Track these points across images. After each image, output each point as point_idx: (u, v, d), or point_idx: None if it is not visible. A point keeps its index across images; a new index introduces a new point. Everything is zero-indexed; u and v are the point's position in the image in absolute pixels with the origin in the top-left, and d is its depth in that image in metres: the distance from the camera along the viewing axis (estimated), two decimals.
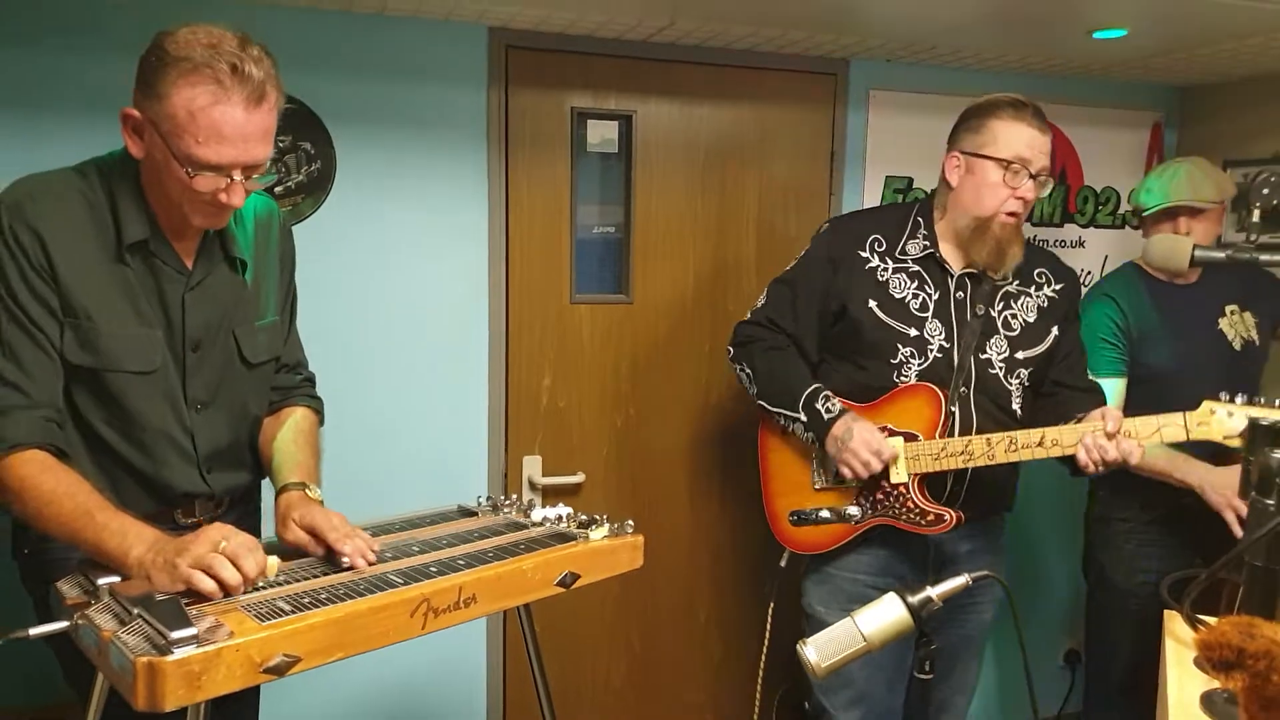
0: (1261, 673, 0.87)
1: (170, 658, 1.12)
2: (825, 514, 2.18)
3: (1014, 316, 2.18)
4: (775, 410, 2.20)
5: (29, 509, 1.42)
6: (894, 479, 2.09)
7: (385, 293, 2.53)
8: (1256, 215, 1.96)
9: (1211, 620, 1.01)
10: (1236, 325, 2.53)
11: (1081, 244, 3.28)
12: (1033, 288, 2.21)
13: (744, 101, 2.81)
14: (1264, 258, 1.93)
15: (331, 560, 1.50)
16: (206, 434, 1.65)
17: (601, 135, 2.72)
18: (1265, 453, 1.00)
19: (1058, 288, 2.24)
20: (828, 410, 2.11)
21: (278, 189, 2.35)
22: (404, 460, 2.58)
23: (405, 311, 2.55)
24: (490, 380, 2.65)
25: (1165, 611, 1.23)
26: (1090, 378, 2.28)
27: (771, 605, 2.37)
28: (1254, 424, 1.04)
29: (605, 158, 2.74)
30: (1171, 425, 1.95)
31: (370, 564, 1.48)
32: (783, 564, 2.31)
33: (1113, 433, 1.95)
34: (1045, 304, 2.21)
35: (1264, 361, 2.59)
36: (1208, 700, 1.06)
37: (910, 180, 3.00)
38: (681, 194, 2.79)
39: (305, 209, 2.40)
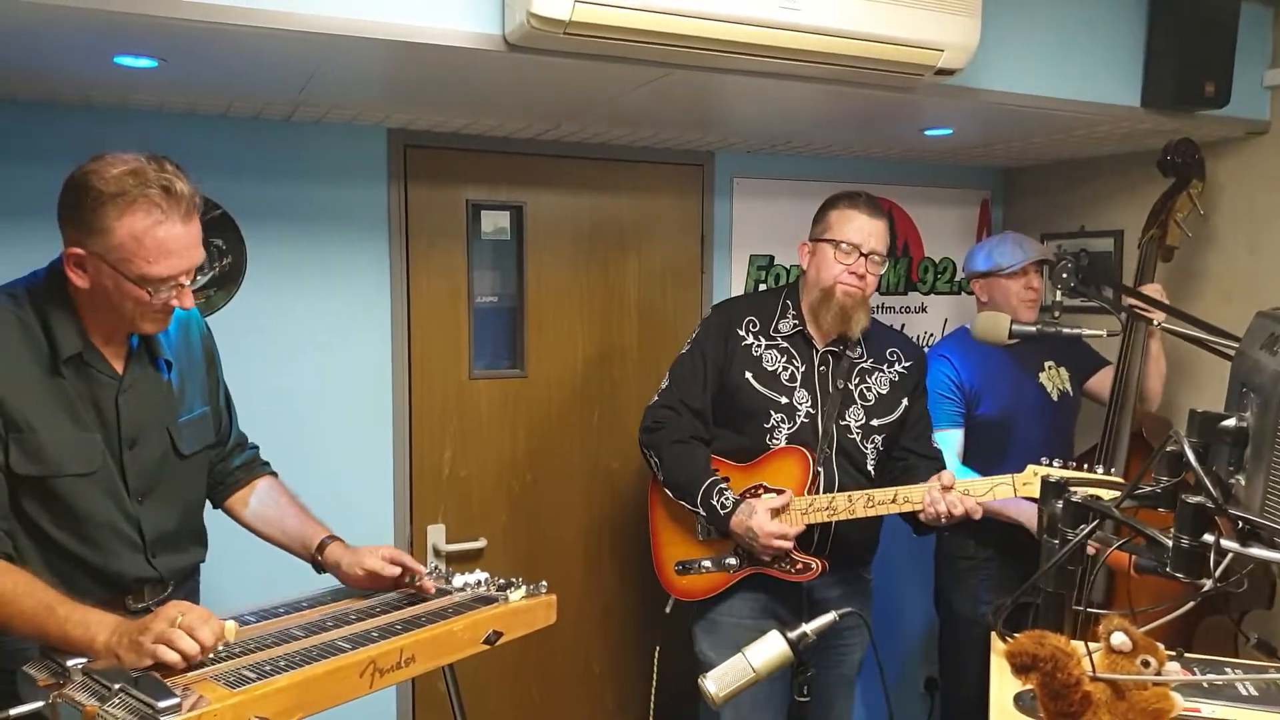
0: (1049, 671, 1.16)
1: None
2: (707, 563, 2.44)
3: (869, 389, 2.48)
4: (678, 501, 2.42)
5: None
6: None
7: (294, 376, 2.67)
8: (1059, 294, 2.35)
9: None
10: (1053, 379, 2.93)
11: (924, 309, 3.68)
12: (885, 365, 2.53)
13: (622, 191, 3.10)
14: (1066, 331, 2.33)
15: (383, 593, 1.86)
16: (151, 522, 1.78)
17: (495, 224, 2.95)
18: (1051, 503, 1.30)
19: (907, 364, 2.55)
20: (722, 506, 2.33)
21: None
22: None
23: (313, 393, 2.70)
24: (395, 455, 2.82)
25: (991, 632, 1.52)
26: (934, 446, 2.58)
27: (658, 649, 2.59)
28: (1044, 480, 1.34)
29: (498, 244, 2.97)
30: (1003, 485, 2.26)
31: (432, 591, 1.86)
32: (668, 610, 2.55)
33: (947, 485, 2.25)
34: (896, 378, 2.52)
35: (1077, 410, 2.99)
36: (1018, 699, 1.35)
37: (771, 258, 3.34)
38: (569, 276, 3.04)
39: (218, 301, 2.54)
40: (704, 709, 2.57)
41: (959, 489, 2.27)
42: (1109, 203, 3.40)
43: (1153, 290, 2.65)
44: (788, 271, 3.35)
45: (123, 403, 1.74)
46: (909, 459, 2.52)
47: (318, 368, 2.70)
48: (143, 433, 1.77)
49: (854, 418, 2.45)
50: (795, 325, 2.48)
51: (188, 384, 1.89)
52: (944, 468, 2.51)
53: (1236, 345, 1.36)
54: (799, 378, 2.44)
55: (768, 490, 2.38)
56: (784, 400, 2.42)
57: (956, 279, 3.71)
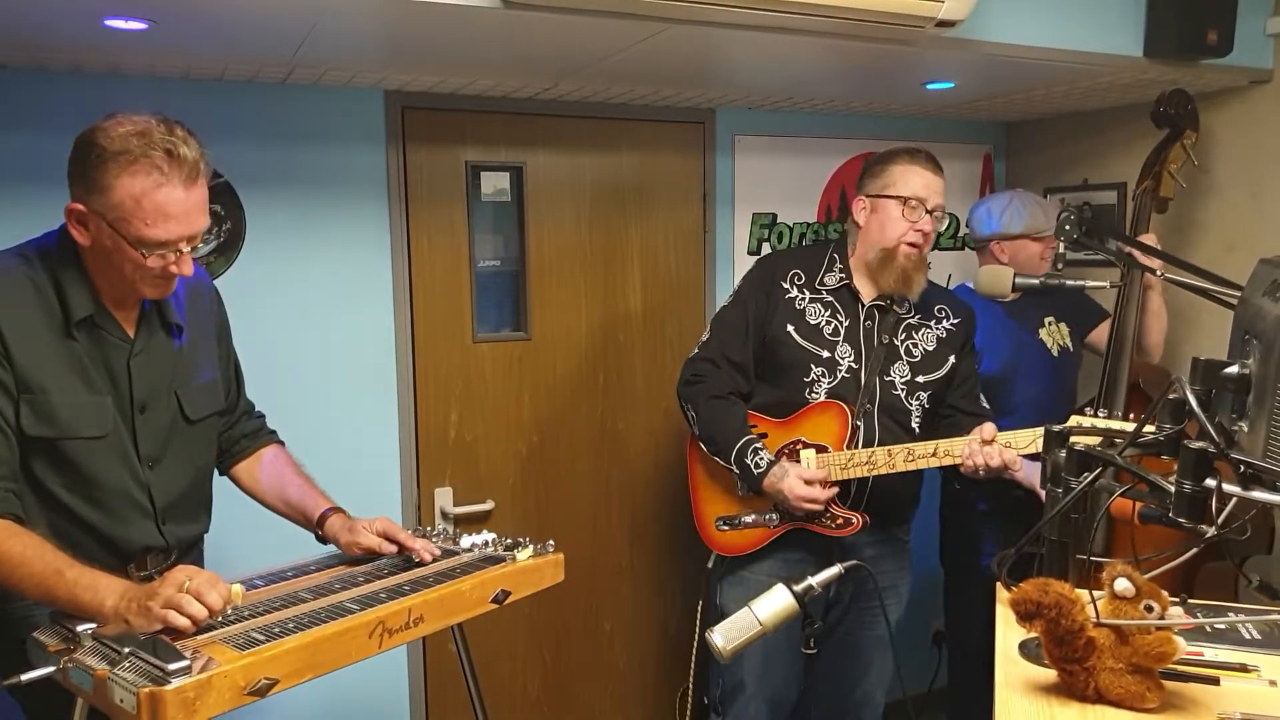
0: (1053, 618, 1.17)
1: (169, 687, 1.28)
2: (748, 519, 2.43)
3: (915, 345, 2.46)
4: (713, 457, 2.41)
5: (0, 572, 1.54)
6: None
7: (297, 342, 2.67)
8: (1061, 248, 2.34)
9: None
10: (1054, 334, 2.92)
11: (928, 266, 3.65)
12: (933, 321, 2.50)
13: (623, 150, 3.07)
14: (1069, 283, 2.32)
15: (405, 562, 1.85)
16: (161, 487, 1.79)
17: (494, 185, 2.93)
18: (1054, 453, 1.31)
19: (955, 321, 2.52)
20: (756, 465, 2.32)
21: None
22: None
23: (317, 359, 2.70)
24: (400, 419, 2.83)
25: (996, 584, 1.53)
26: (982, 404, 2.55)
27: (701, 603, 2.62)
28: (1047, 430, 1.34)
29: (499, 206, 2.96)
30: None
31: (434, 557, 1.85)
32: (710, 565, 2.55)
33: (988, 439, 2.25)
34: (944, 335, 2.50)
35: (1078, 365, 2.99)
36: (1023, 647, 1.36)
37: (774, 216, 3.31)
38: (571, 236, 3.03)
39: (218, 268, 2.53)
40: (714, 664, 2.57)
41: (1001, 441, 2.26)
42: (1112, 155, 3.37)
43: (1148, 241, 2.65)
44: (790, 230, 3.33)
45: (135, 366, 1.74)
46: (955, 416, 2.49)
47: (320, 333, 2.70)
48: (153, 397, 1.78)
49: (899, 373, 2.42)
50: (842, 279, 2.45)
51: (198, 349, 1.89)
52: (988, 421, 2.47)
53: (1239, 294, 1.36)
54: (842, 332, 2.42)
55: (806, 446, 2.36)
56: (825, 354, 2.39)
57: (960, 234, 3.69)
